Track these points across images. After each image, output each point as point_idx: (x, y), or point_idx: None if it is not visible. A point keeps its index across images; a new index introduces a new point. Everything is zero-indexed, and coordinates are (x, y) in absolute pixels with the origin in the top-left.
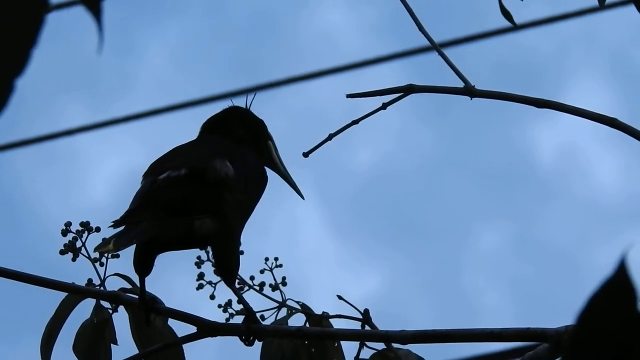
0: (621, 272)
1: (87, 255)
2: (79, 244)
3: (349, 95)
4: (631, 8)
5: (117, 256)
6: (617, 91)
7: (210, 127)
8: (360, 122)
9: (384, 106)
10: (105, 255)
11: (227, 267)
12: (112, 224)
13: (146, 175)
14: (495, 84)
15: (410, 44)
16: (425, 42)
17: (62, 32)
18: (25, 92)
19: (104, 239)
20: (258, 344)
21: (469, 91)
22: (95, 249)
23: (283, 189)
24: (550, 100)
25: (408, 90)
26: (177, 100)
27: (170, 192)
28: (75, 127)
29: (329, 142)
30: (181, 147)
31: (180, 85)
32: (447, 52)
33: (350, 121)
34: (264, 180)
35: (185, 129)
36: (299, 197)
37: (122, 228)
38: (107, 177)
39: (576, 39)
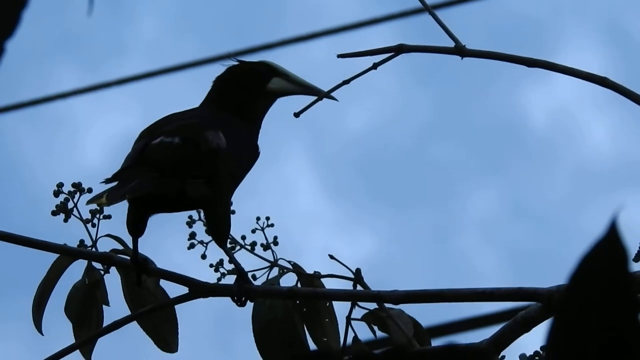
0: (612, 233)
1: (79, 216)
2: (70, 205)
3: (340, 55)
4: None
5: (109, 217)
6: (608, 54)
7: (212, 97)
8: (351, 83)
9: (375, 66)
10: (97, 216)
11: (219, 228)
12: (104, 180)
13: (138, 141)
14: (487, 47)
15: (401, 6)
16: (417, 4)
17: None
18: (16, 54)
19: (97, 194)
20: (250, 304)
21: (460, 51)
22: (88, 202)
23: (277, 151)
24: (541, 60)
25: (398, 50)
26: (168, 61)
27: (162, 155)
28: (68, 90)
29: (320, 102)
30: (174, 115)
31: (172, 48)
32: (438, 14)
33: (341, 81)
34: (256, 152)
35: (177, 91)
36: (333, 100)
37: (114, 184)
38: (99, 140)
39: (569, 2)
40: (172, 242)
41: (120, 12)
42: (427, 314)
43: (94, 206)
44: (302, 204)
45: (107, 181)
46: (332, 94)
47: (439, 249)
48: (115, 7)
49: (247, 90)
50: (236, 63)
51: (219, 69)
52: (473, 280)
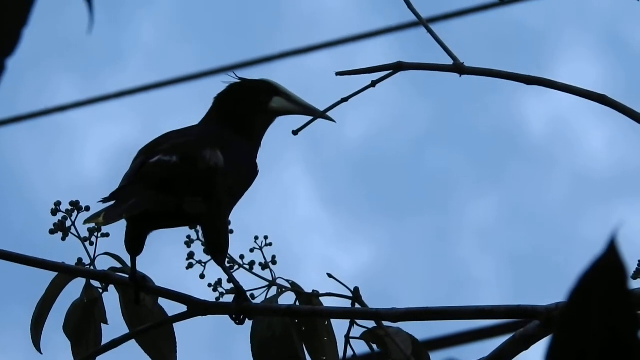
0: (611, 250)
1: (76, 234)
2: (68, 223)
3: (338, 73)
4: None
5: (107, 235)
6: (607, 65)
7: (213, 114)
8: (349, 100)
9: (373, 84)
10: (95, 234)
11: (217, 246)
12: (101, 200)
13: (136, 159)
14: (485, 59)
15: (400, 18)
16: (414, 19)
17: (52, 5)
18: (14, 64)
19: (94, 213)
20: (249, 323)
21: (458, 68)
22: (85, 221)
23: (275, 162)
24: (540, 77)
25: (397, 67)
26: (166, 73)
27: (160, 173)
28: (67, 103)
29: (319, 119)
30: (173, 132)
31: (170, 57)
32: (436, 27)
33: (339, 99)
34: (255, 170)
35: (176, 102)
36: (331, 121)
37: (112, 203)
38: (98, 151)
39: (566, 13)
40: (171, 259)
41: (118, 21)
42: (425, 328)
43: (92, 225)
44: (300, 214)
45: (105, 200)
46: (330, 111)
47: (437, 258)
48: (113, 16)
49: (248, 108)
50: (237, 80)
51: (218, 82)
52: (472, 289)
